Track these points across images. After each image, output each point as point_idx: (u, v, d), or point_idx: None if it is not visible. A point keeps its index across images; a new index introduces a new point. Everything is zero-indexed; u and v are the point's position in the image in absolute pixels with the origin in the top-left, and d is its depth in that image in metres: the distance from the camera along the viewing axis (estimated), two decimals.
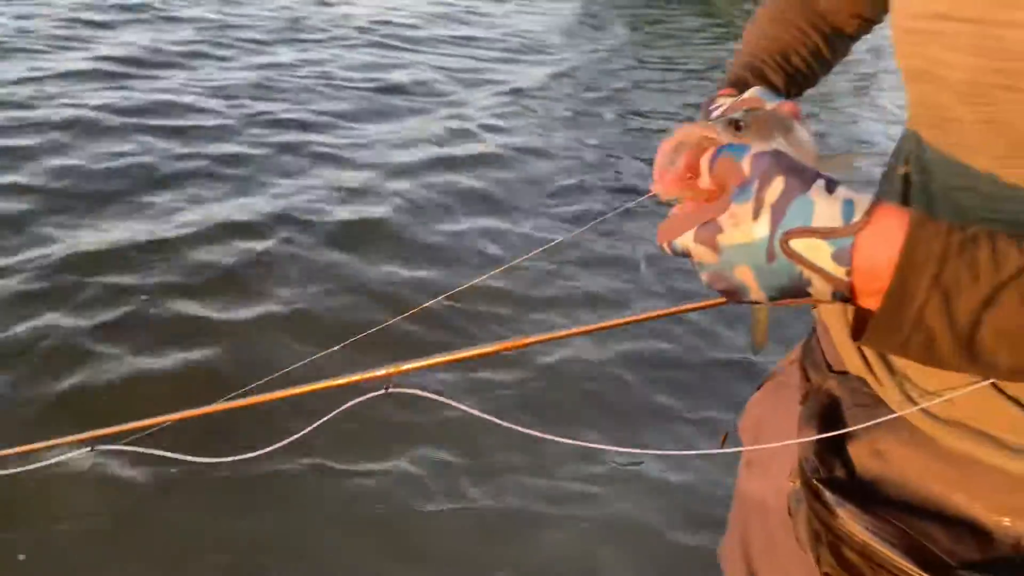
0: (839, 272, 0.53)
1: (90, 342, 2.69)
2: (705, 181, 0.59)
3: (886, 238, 0.52)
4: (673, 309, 0.71)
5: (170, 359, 2.64)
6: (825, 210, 0.53)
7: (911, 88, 0.72)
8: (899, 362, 0.75)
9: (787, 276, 0.55)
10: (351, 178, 4.13)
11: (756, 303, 0.60)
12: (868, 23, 0.92)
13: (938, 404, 0.69)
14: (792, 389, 0.88)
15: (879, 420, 0.71)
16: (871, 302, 0.54)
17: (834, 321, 0.85)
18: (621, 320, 0.69)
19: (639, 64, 6.98)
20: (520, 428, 0.77)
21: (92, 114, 4.44)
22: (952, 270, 0.51)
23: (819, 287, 0.55)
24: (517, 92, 5.73)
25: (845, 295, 0.55)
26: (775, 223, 0.54)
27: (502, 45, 6.99)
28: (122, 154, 4.04)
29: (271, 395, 0.97)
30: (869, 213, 0.53)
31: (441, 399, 0.86)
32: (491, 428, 0.80)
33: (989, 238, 0.52)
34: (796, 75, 0.89)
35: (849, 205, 0.53)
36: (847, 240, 0.53)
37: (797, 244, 0.53)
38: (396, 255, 3.45)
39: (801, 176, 0.55)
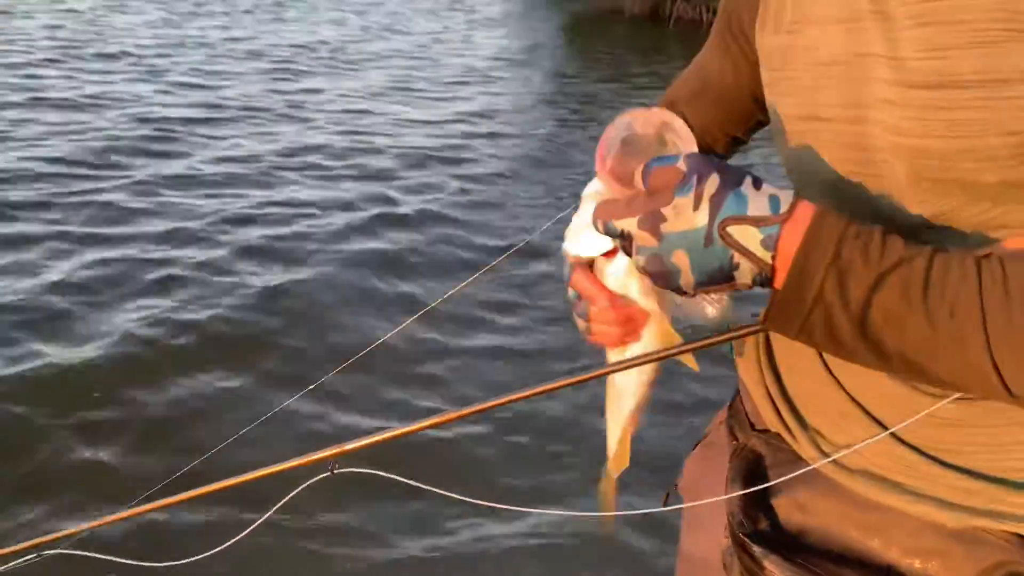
0: (766, 256, 0.61)
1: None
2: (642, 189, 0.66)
3: (801, 227, 0.60)
4: (626, 364, 0.74)
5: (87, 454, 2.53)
6: (756, 202, 0.61)
7: (792, 178, 0.82)
8: (811, 418, 0.80)
9: (719, 260, 0.62)
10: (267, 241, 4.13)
11: (682, 291, 0.66)
12: (738, 143, 1.01)
13: (847, 455, 0.75)
14: (722, 448, 0.93)
15: (794, 473, 0.76)
16: (783, 277, 0.61)
17: (751, 381, 0.90)
18: (568, 381, 0.72)
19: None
20: (459, 497, 0.78)
21: None
22: (848, 253, 0.59)
23: (745, 271, 0.62)
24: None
25: (768, 277, 0.62)
26: (714, 213, 0.61)
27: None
28: None
29: (202, 490, 0.94)
30: (792, 207, 0.61)
31: (385, 475, 0.86)
32: (442, 498, 0.80)
33: (882, 232, 0.60)
34: None
35: (775, 200, 0.61)
36: (774, 228, 0.60)
37: (733, 230, 0.61)
38: (320, 321, 3.43)
39: (732, 173, 0.63)
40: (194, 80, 7.50)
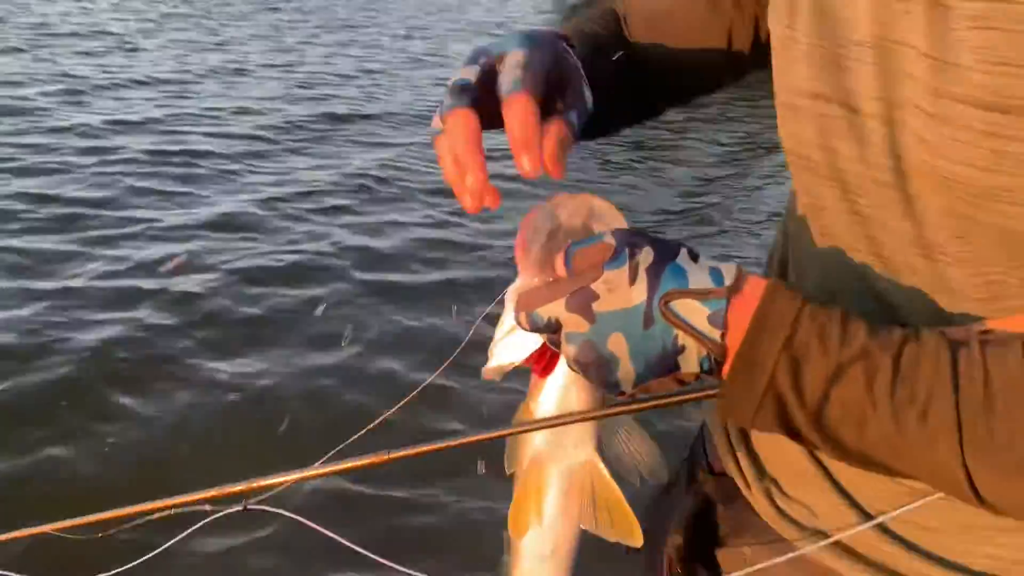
0: (714, 334, 0.54)
1: None
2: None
3: (751, 303, 0.54)
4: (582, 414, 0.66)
5: None
6: (697, 276, 0.55)
7: (793, 173, 0.71)
8: (770, 467, 0.76)
9: (661, 343, 0.55)
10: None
11: (619, 390, 0.57)
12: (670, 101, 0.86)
13: (803, 512, 0.71)
14: (681, 489, 0.89)
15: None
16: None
17: (712, 419, 0.86)
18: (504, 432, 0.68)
19: None
20: (376, 557, 0.73)
21: None
22: (803, 337, 0.52)
23: (690, 356, 0.55)
24: None
25: (718, 359, 0.55)
26: (652, 287, 0.54)
27: None
28: None
29: (110, 514, 0.88)
30: (739, 279, 0.55)
31: (299, 519, 0.81)
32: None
33: (843, 315, 0.54)
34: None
35: (716, 273, 0.55)
36: (722, 302, 0.54)
37: (676, 306, 0.54)
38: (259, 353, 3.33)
39: (667, 244, 0.57)
40: None
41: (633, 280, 0.54)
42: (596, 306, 0.55)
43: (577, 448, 0.65)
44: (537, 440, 0.67)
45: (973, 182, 0.52)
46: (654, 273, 0.54)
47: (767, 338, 0.53)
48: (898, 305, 0.62)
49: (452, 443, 0.66)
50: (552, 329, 0.57)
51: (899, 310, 0.62)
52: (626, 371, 0.56)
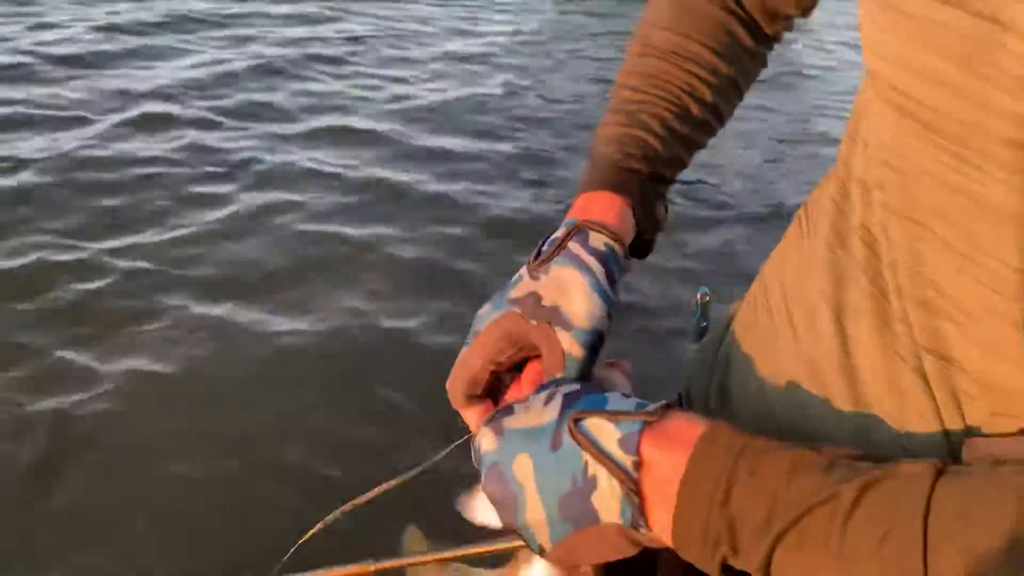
0: (626, 461, 0.46)
1: None
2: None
3: (674, 439, 0.47)
4: None
5: None
6: (618, 403, 0.50)
7: (874, 112, 0.54)
8: None
9: (570, 471, 0.48)
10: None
11: (538, 547, 0.50)
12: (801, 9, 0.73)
13: None
14: None
15: None
16: (661, 517, 0.46)
17: None
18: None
19: None
20: None
21: None
22: (739, 498, 0.44)
23: (607, 496, 0.47)
24: None
25: (635, 499, 0.46)
26: (566, 405, 0.50)
27: None
28: None
29: None
30: (665, 408, 0.48)
31: None
32: None
33: (791, 461, 0.44)
34: (688, 143, 0.72)
35: (642, 404, 0.49)
36: (636, 424, 0.47)
37: (586, 426, 0.48)
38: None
39: (599, 389, 0.53)
40: None
41: (549, 400, 0.52)
42: (507, 422, 0.52)
43: None
44: None
45: None
46: (573, 396, 0.51)
47: (698, 498, 0.45)
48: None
49: (437, 557, 0.64)
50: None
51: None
52: (535, 512, 0.49)
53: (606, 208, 0.65)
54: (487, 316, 0.61)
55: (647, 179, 0.68)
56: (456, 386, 0.61)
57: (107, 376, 2.67)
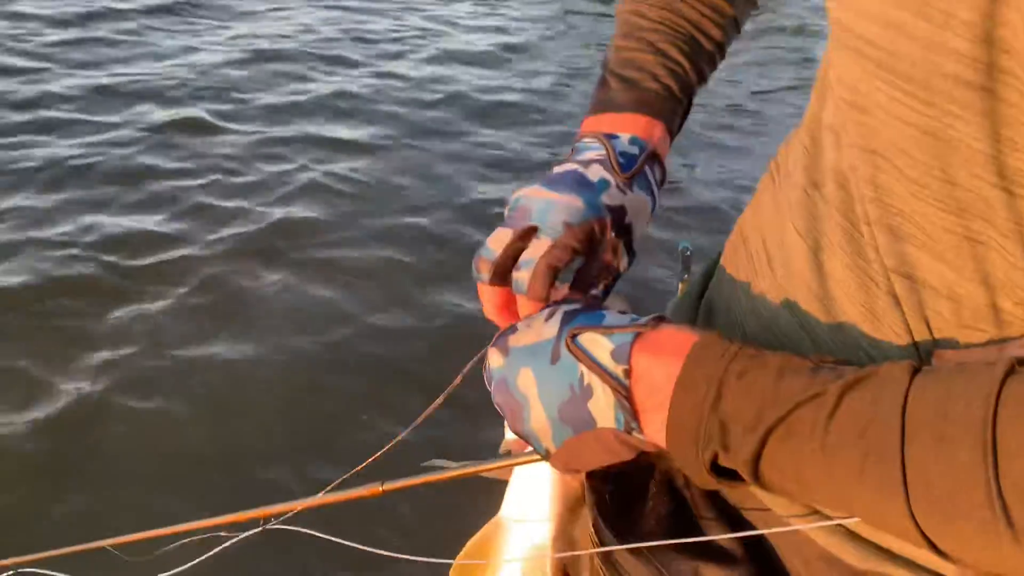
0: (617, 370, 0.50)
1: None
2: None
3: (666, 347, 0.50)
4: None
5: None
6: (614, 319, 0.53)
7: (833, 56, 0.54)
8: None
9: (568, 381, 0.52)
10: None
11: (543, 450, 0.54)
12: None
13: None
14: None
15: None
16: (653, 419, 0.50)
17: None
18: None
19: None
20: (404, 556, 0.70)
21: None
22: (732, 398, 0.47)
23: (602, 403, 0.51)
24: None
25: (625, 405, 0.50)
26: (565, 322, 0.54)
27: None
28: None
29: (127, 538, 0.86)
30: (656, 321, 0.52)
31: (323, 536, 0.78)
32: (384, 562, 0.73)
33: (779, 365, 0.47)
34: (697, 74, 0.74)
35: (636, 319, 0.53)
36: (628, 336, 0.51)
37: (581, 340, 0.52)
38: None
39: (600, 304, 0.57)
40: None
41: (550, 317, 0.55)
42: (511, 339, 0.56)
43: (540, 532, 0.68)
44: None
45: None
46: (572, 313, 0.55)
47: (690, 402, 0.48)
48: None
49: (443, 476, 0.66)
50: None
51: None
52: (539, 419, 0.53)
53: (663, 140, 0.70)
54: (574, 210, 0.61)
55: (680, 116, 0.73)
56: (542, 269, 0.60)
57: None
